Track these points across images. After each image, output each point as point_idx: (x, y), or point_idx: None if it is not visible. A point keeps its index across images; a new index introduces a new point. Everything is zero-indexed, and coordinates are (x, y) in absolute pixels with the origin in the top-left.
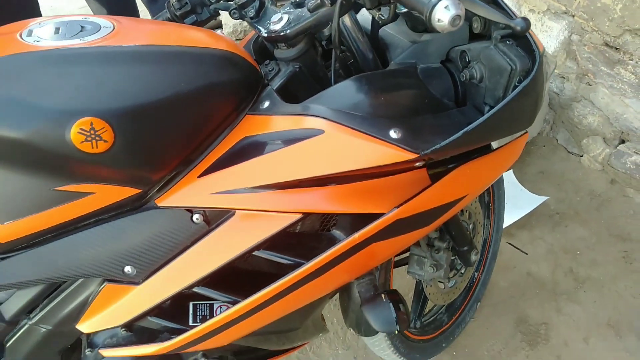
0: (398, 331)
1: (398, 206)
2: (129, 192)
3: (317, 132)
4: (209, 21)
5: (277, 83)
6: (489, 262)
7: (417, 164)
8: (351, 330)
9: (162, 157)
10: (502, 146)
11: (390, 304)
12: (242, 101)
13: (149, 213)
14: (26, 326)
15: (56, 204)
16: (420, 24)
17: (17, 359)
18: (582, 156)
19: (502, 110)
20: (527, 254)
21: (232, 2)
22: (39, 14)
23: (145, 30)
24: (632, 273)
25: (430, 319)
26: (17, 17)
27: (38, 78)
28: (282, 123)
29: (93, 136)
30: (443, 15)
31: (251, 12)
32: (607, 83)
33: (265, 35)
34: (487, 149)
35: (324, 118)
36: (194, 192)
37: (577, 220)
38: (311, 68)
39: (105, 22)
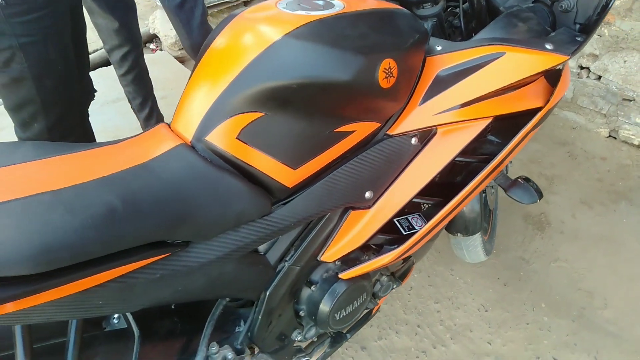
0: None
1: (548, 101)
2: (374, 126)
3: (500, 54)
4: None
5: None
6: None
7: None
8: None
9: (402, 92)
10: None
11: (528, 183)
12: (423, 48)
13: (383, 143)
14: (284, 269)
15: (331, 144)
16: None
17: (272, 304)
18: None
19: (601, 19)
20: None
21: None
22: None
23: (357, 2)
24: (578, 164)
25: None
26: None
27: (352, 33)
28: (468, 54)
29: (389, 74)
30: None
31: None
32: None
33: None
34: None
35: (502, 44)
36: (414, 118)
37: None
38: (440, 20)
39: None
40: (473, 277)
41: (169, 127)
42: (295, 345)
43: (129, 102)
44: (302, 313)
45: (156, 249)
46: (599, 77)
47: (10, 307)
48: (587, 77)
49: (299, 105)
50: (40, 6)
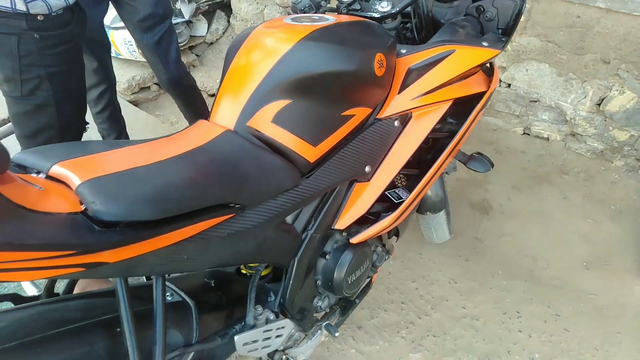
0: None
1: (488, 87)
2: (367, 111)
3: (452, 52)
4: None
5: None
6: None
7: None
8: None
9: (387, 81)
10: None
11: (481, 156)
12: (395, 48)
13: (375, 125)
14: (307, 237)
15: (339, 126)
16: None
17: (300, 270)
18: None
19: (517, 23)
20: None
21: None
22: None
23: (342, 17)
24: (504, 158)
25: None
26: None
27: (350, 36)
28: (428, 53)
29: (381, 64)
30: None
31: (357, 5)
32: None
33: (378, 16)
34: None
35: (453, 44)
36: (395, 103)
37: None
38: (398, 33)
39: (326, 16)
40: (439, 257)
41: (208, 121)
42: (314, 314)
43: (103, 138)
44: (318, 282)
45: (224, 209)
46: (509, 85)
47: (128, 252)
48: (499, 85)
49: (318, 92)
50: (66, 40)
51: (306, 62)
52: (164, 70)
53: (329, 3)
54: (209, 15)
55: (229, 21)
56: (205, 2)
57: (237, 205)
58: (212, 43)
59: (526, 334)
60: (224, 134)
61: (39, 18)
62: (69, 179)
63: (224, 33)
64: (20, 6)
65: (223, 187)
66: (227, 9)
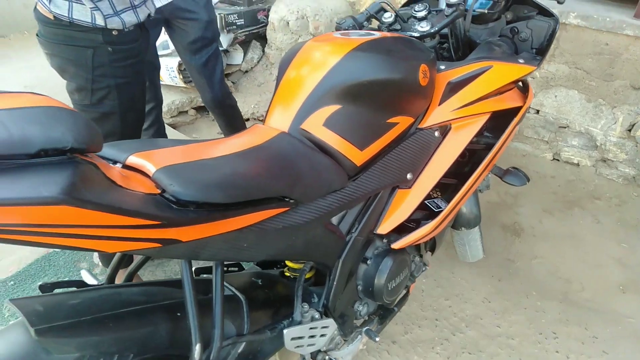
0: (527, 181)
1: (524, 102)
2: (410, 120)
3: (489, 67)
4: None
5: None
6: None
7: (530, 74)
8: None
9: (430, 91)
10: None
11: (517, 170)
12: (436, 63)
13: (417, 134)
14: (352, 240)
15: (384, 132)
16: (483, 20)
17: (344, 272)
18: None
19: (551, 43)
20: None
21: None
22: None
23: (386, 33)
24: (534, 183)
25: None
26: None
27: (396, 48)
28: (467, 69)
29: (425, 75)
30: None
31: (397, 25)
32: None
33: (417, 35)
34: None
35: (490, 60)
36: (436, 115)
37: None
38: (435, 51)
39: (371, 32)
40: (472, 276)
41: (262, 124)
42: (354, 321)
43: None
44: (359, 287)
45: (280, 202)
46: (538, 111)
47: (200, 232)
48: (528, 112)
49: (366, 99)
50: (134, 54)
51: (357, 70)
52: (208, 90)
53: (371, 24)
54: (245, 44)
55: (263, 50)
56: (242, 32)
57: (291, 200)
58: (247, 71)
59: (564, 354)
60: (279, 135)
61: (113, 33)
62: (144, 167)
63: (258, 62)
64: (100, 21)
65: (280, 181)
66: (262, 39)
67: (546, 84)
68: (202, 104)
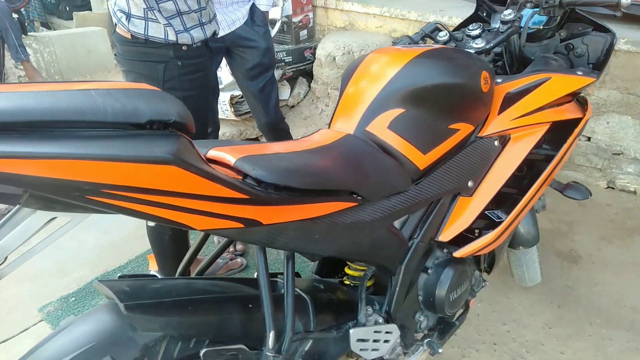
0: (589, 195)
1: (584, 115)
2: (470, 128)
3: (547, 79)
4: None
5: None
6: None
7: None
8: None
9: (490, 99)
10: None
11: (578, 184)
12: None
13: (477, 142)
14: (414, 245)
15: (446, 137)
16: (538, 38)
17: (406, 277)
18: None
19: (608, 58)
20: None
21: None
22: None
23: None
24: (589, 211)
25: None
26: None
27: (457, 56)
28: (525, 80)
29: (486, 81)
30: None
31: (452, 43)
32: None
33: (473, 52)
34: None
35: (548, 72)
36: (495, 124)
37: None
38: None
39: (430, 44)
40: (529, 302)
41: (328, 128)
42: (415, 334)
43: None
44: (420, 298)
45: (349, 197)
46: (589, 138)
47: (279, 215)
48: (579, 139)
49: (429, 103)
50: (200, 69)
51: (421, 74)
52: (264, 114)
53: (426, 42)
54: (292, 80)
55: (309, 86)
56: (290, 69)
57: (359, 197)
58: (293, 106)
59: None
60: (346, 137)
61: (183, 48)
62: (224, 159)
63: (304, 97)
64: (172, 37)
65: (349, 176)
66: (308, 75)
67: (597, 110)
68: (251, 137)
